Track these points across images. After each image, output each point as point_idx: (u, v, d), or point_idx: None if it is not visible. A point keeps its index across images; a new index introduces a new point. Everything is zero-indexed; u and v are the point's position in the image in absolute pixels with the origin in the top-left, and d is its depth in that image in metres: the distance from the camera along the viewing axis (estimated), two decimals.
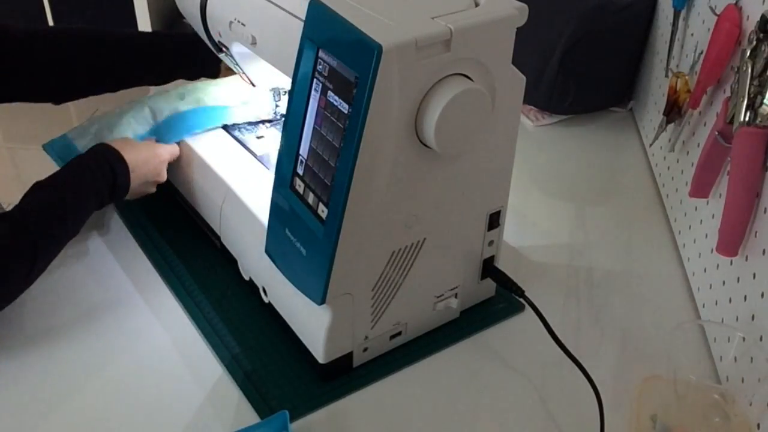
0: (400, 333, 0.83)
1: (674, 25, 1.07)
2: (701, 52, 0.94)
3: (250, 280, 0.89)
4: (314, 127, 0.69)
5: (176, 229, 1.01)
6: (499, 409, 0.78)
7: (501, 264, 0.87)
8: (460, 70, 0.67)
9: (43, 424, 0.75)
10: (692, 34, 1.02)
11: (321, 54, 0.67)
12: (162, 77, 1.10)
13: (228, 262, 0.93)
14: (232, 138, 1.00)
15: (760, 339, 0.72)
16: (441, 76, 0.66)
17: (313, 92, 0.68)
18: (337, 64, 0.65)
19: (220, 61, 1.06)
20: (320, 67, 0.67)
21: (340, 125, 0.65)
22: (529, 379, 0.81)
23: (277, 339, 0.84)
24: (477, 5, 0.69)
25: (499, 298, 0.91)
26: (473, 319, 0.88)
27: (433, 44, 0.64)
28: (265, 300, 0.86)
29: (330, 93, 0.66)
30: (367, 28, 0.62)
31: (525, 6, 0.70)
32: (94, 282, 0.92)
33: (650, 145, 1.14)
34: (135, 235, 0.99)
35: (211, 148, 0.98)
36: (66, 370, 0.81)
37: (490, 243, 0.85)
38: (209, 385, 0.79)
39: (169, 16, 3.58)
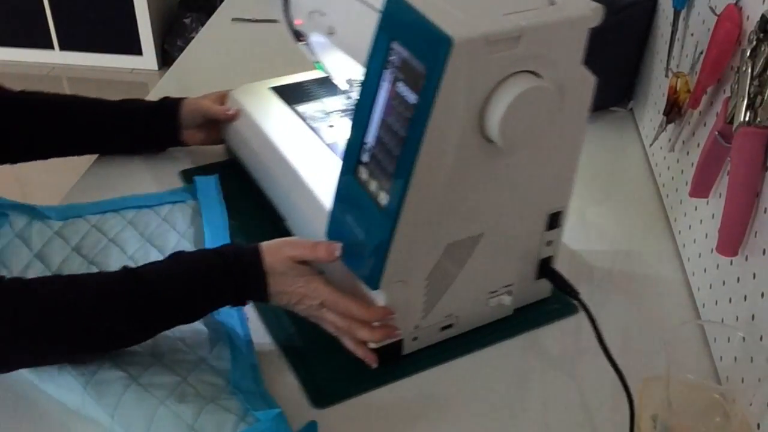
0: (451, 325, 0.83)
1: (674, 25, 1.07)
2: (701, 52, 0.94)
3: None
4: (382, 117, 0.70)
5: (244, 207, 1.02)
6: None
7: None
8: (529, 67, 0.68)
9: None
10: (692, 34, 1.02)
11: (394, 45, 0.68)
12: (131, 146, 1.10)
13: None
14: (306, 125, 1.02)
15: (760, 339, 0.72)
16: (510, 72, 0.67)
17: (383, 83, 0.69)
18: (409, 55, 0.66)
19: (178, 127, 1.08)
20: (392, 58, 0.68)
21: (407, 115, 0.66)
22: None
23: None
24: (552, 4, 0.70)
25: (553, 298, 0.90)
26: (525, 318, 0.88)
27: (503, 40, 0.65)
28: None
29: (400, 84, 0.67)
30: (440, 21, 0.63)
31: (600, 6, 0.70)
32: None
33: (650, 145, 1.14)
34: None
35: (283, 133, 1.00)
36: None
37: (549, 243, 0.84)
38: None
39: (168, 15, 3.58)
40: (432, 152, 0.66)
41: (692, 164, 0.94)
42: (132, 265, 0.78)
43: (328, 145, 0.97)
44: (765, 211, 0.73)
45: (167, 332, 0.79)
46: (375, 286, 0.73)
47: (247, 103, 1.07)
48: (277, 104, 1.07)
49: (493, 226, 0.78)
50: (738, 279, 0.78)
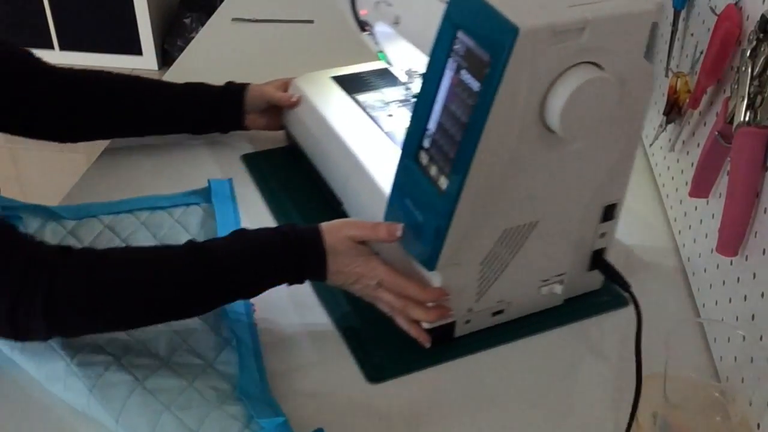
0: (502, 311, 0.85)
1: (674, 25, 1.07)
2: (701, 52, 0.94)
3: None
4: (444, 104, 0.71)
5: (303, 192, 1.06)
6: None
7: None
8: (591, 59, 0.69)
9: None
10: (692, 34, 1.02)
11: (459, 34, 0.69)
12: (195, 128, 1.12)
13: None
14: (365, 114, 1.04)
15: (760, 339, 0.72)
16: (572, 62, 0.68)
17: (447, 71, 0.70)
18: (473, 44, 0.67)
19: (242, 112, 1.10)
20: (457, 46, 0.69)
21: (470, 103, 0.67)
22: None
23: None
24: None
25: (603, 290, 0.91)
26: (575, 308, 0.89)
27: (568, 31, 0.66)
28: None
29: (463, 72, 0.69)
30: (506, 11, 0.65)
31: (662, 2, 0.71)
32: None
33: (650, 145, 1.14)
34: (261, 190, 1.06)
35: (343, 121, 1.03)
36: None
37: (602, 235, 0.85)
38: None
39: (168, 15, 3.58)
40: (493, 139, 0.68)
41: (692, 164, 0.94)
42: None
43: (386, 133, 1.00)
44: (765, 211, 0.74)
45: (175, 334, 0.80)
46: (432, 267, 0.75)
47: (308, 91, 1.10)
48: (338, 93, 1.10)
49: (548, 214, 0.79)
50: (738, 279, 0.78)
